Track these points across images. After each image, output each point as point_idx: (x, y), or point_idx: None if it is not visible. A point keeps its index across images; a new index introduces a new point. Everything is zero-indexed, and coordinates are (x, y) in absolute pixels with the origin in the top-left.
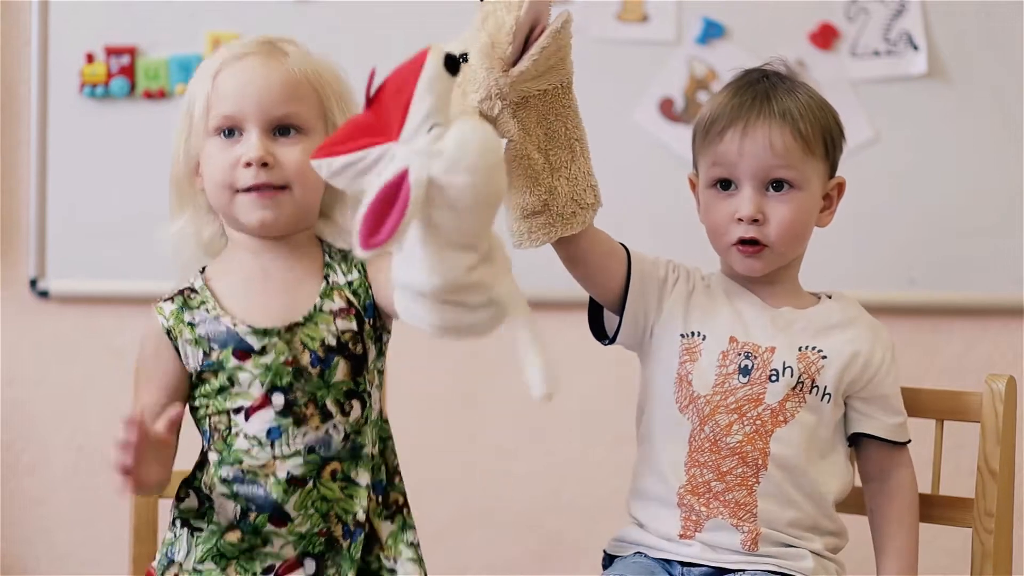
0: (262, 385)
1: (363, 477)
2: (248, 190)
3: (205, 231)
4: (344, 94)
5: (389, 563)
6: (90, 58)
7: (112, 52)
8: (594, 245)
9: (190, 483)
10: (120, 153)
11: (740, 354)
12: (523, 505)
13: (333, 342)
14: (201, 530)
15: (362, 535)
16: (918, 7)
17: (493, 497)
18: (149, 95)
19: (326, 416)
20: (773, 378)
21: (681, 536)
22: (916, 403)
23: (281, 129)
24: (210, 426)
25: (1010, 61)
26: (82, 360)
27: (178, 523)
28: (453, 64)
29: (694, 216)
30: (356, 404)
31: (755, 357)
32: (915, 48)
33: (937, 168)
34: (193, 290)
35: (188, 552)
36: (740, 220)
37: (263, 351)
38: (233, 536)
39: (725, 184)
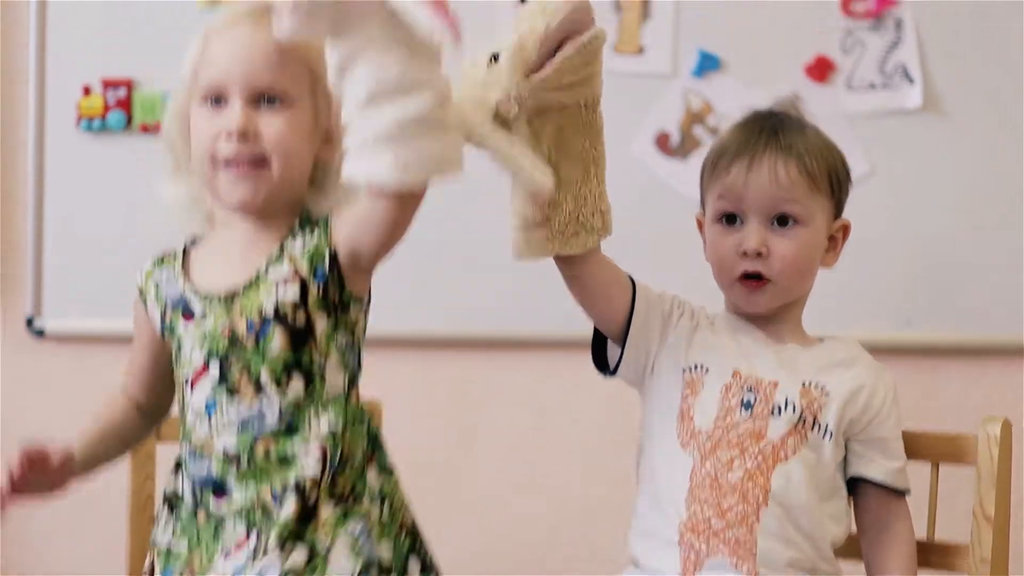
0: (201, 351)
1: (301, 455)
2: (228, 165)
3: (207, 200)
4: None
5: (322, 544)
6: (87, 91)
7: (109, 85)
8: (598, 269)
9: (177, 461)
10: (117, 187)
11: (743, 387)
12: (522, 545)
13: (270, 311)
14: (178, 508)
15: (293, 502)
16: (913, 40)
17: (492, 536)
18: (146, 129)
19: (259, 389)
20: (776, 413)
21: (683, 571)
22: (912, 445)
23: (268, 99)
24: (178, 400)
25: (1006, 95)
26: (78, 399)
27: (163, 502)
28: None
29: (691, 250)
30: (297, 378)
31: (758, 391)
32: (911, 81)
33: (934, 202)
34: (174, 253)
35: (164, 530)
36: (744, 254)
37: (204, 316)
38: (201, 516)
39: (731, 218)
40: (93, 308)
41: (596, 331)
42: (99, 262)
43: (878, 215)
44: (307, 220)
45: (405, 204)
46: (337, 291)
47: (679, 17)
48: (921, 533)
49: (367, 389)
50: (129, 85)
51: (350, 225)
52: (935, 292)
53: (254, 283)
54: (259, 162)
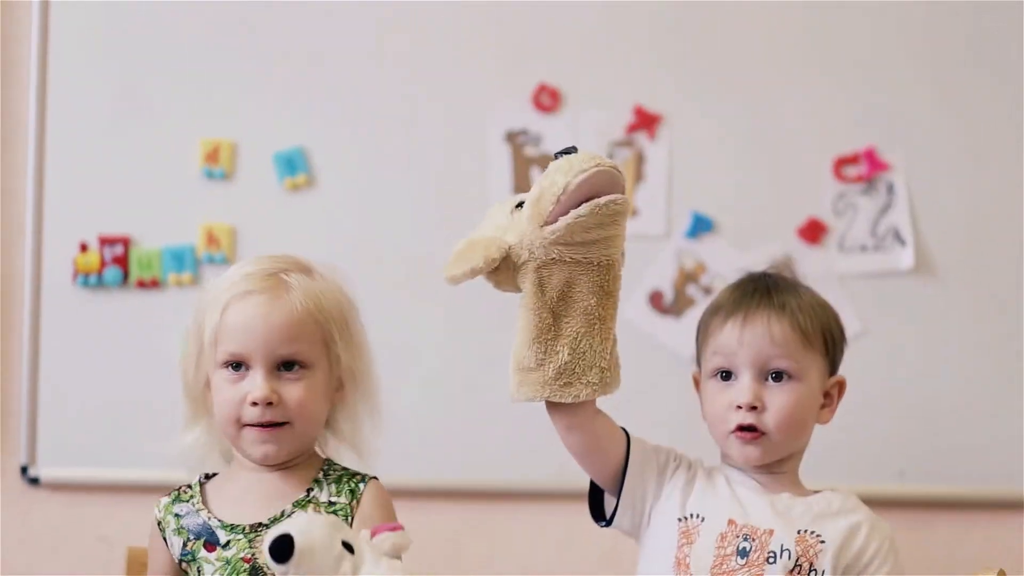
0: None
1: None
2: (252, 427)
3: (224, 440)
4: (347, 320)
5: None
6: (84, 247)
7: (105, 242)
8: (592, 422)
9: None
10: (112, 342)
11: (739, 536)
12: None
13: None
14: None
15: None
16: (905, 203)
17: None
18: (142, 284)
19: None
20: (771, 560)
21: None
22: None
23: (286, 364)
24: None
25: (998, 256)
26: (72, 548)
27: None
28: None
29: (684, 407)
30: None
31: (753, 539)
32: (902, 243)
33: (925, 362)
34: (189, 487)
35: None
36: (739, 408)
37: (227, 545)
38: None
39: (726, 375)
40: (86, 457)
41: (592, 483)
42: (93, 412)
43: (871, 372)
44: (331, 471)
45: None
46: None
47: (672, 179)
48: None
49: None
50: (126, 242)
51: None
52: (928, 445)
53: (277, 520)
54: (282, 424)
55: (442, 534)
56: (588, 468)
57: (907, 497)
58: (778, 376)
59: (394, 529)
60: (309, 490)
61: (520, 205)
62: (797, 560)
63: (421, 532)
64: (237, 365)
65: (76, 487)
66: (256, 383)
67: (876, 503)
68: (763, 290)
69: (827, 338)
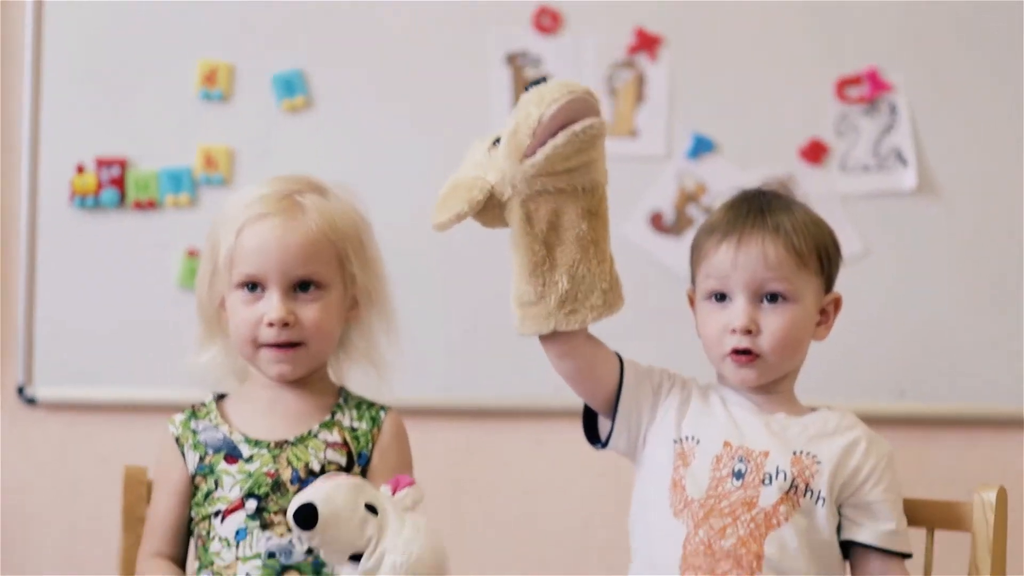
0: (241, 490)
1: None
2: (269, 347)
3: (239, 360)
4: (361, 240)
5: None
6: (80, 169)
7: (103, 163)
8: (584, 347)
9: None
10: (109, 263)
11: (734, 458)
12: None
13: (317, 467)
14: None
15: None
16: (907, 123)
17: None
18: (139, 206)
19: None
20: (767, 482)
21: None
22: (908, 513)
23: (301, 285)
24: (197, 535)
25: (999, 175)
26: (69, 467)
27: None
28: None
29: (684, 327)
30: None
31: (748, 461)
32: (904, 163)
33: (927, 281)
34: (203, 404)
35: None
36: (734, 331)
37: (250, 459)
38: None
39: (720, 296)
40: (83, 377)
41: (586, 405)
42: (90, 332)
43: (873, 293)
44: (349, 397)
45: None
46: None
47: (673, 100)
48: None
49: None
50: (123, 163)
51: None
52: (929, 364)
53: (304, 439)
54: (298, 344)
55: (444, 452)
56: (582, 392)
57: (908, 416)
58: (773, 298)
59: (413, 482)
60: (333, 413)
61: (498, 141)
62: (793, 481)
63: (424, 450)
64: (253, 286)
65: (73, 407)
66: (272, 304)
67: (877, 422)
68: (757, 210)
69: (822, 256)
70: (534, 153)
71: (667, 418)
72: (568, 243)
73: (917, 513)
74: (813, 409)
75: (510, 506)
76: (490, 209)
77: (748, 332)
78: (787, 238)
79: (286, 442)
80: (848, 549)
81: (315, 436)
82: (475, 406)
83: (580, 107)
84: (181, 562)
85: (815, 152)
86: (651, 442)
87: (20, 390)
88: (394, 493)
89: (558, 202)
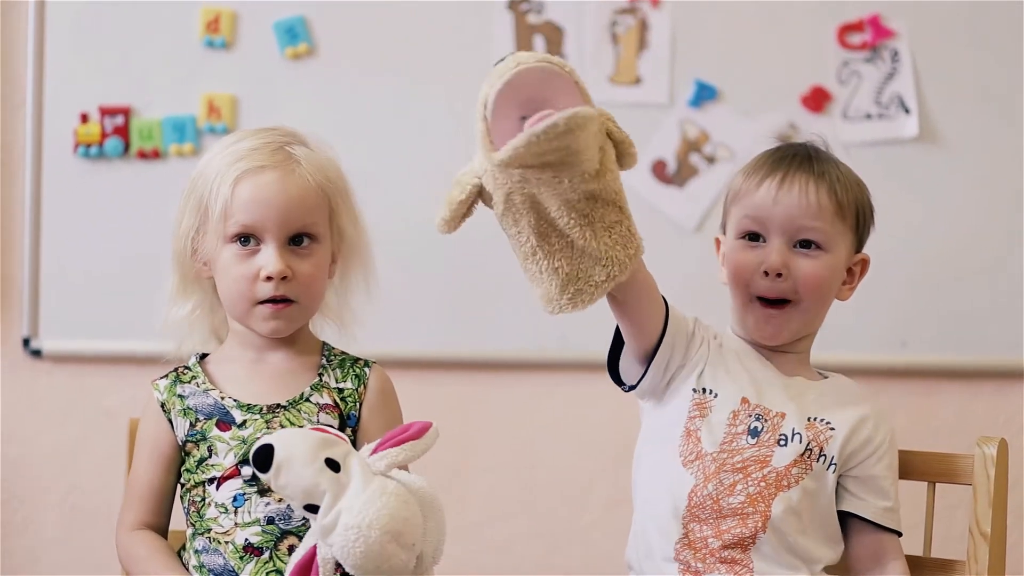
0: (235, 456)
1: None
2: (263, 303)
3: (215, 317)
4: (347, 191)
5: None
6: (84, 118)
7: (106, 112)
8: (639, 293)
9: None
10: (114, 213)
11: (751, 415)
12: (515, 568)
13: None
14: None
15: None
16: (910, 71)
17: (486, 559)
18: (143, 155)
19: None
20: (782, 443)
21: None
22: (908, 466)
23: (295, 239)
24: (189, 501)
25: (1001, 123)
26: (74, 419)
27: None
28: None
29: (686, 277)
30: None
31: (766, 420)
32: (907, 111)
33: (929, 231)
34: (187, 367)
35: None
36: (766, 273)
37: (243, 425)
38: None
39: (754, 236)
40: (89, 329)
41: (612, 346)
42: (95, 284)
43: (874, 241)
44: (331, 355)
45: None
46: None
47: (675, 48)
48: (918, 550)
49: None
50: (126, 112)
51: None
52: (930, 315)
53: (296, 403)
54: (291, 301)
55: (448, 403)
56: (630, 330)
57: (909, 367)
58: (806, 244)
59: (403, 441)
60: (320, 374)
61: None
62: (808, 444)
63: (428, 401)
64: (246, 240)
65: (78, 359)
66: (270, 257)
67: (879, 373)
68: (804, 155)
69: (860, 213)
70: (497, 141)
71: (694, 368)
72: (558, 232)
73: (918, 466)
74: (825, 376)
75: (512, 458)
76: (489, 201)
77: (779, 276)
78: (831, 185)
79: (279, 406)
80: (844, 521)
81: (307, 400)
82: (477, 358)
83: (537, 79)
84: (164, 531)
85: (817, 99)
86: (672, 387)
87: (25, 342)
88: (407, 439)
89: (539, 193)
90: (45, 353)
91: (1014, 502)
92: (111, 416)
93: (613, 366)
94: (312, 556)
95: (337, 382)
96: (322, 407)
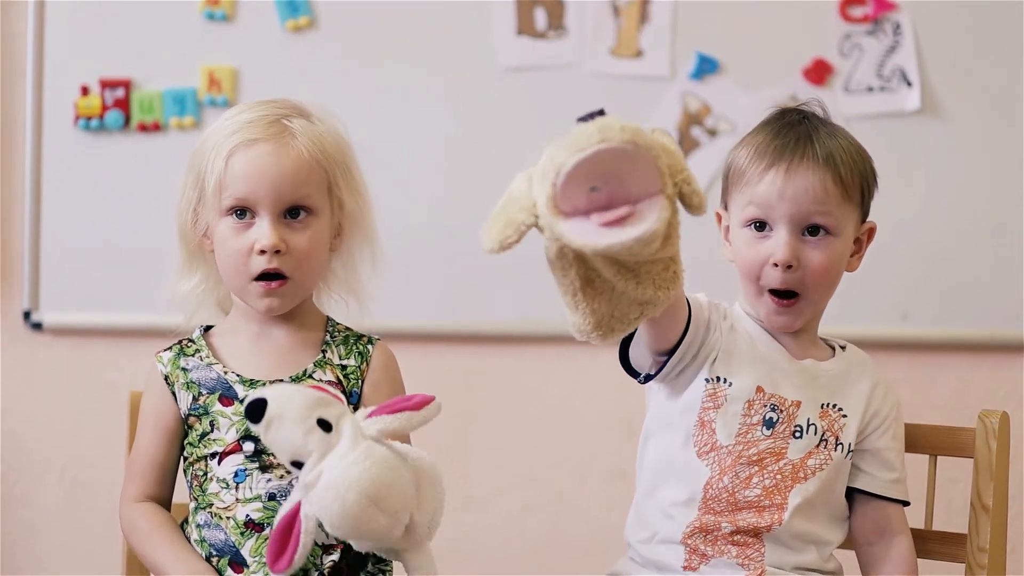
0: (237, 432)
1: (321, 536)
2: (258, 278)
3: (220, 290)
4: (347, 164)
5: None
6: (85, 91)
7: (107, 85)
8: (669, 311)
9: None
10: (114, 186)
11: (766, 405)
12: (517, 542)
13: None
14: None
15: None
16: (911, 43)
17: (487, 533)
18: (144, 128)
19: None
20: (797, 434)
21: (685, 568)
22: (910, 438)
23: (292, 211)
24: (191, 475)
25: (1003, 96)
26: (75, 393)
27: None
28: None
29: (689, 251)
30: None
31: (781, 411)
32: (908, 84)
33: (930, 203)
34: (191, 340)
35: None
36: (775, 265)
37: (245, 400)
38: None
39: (760, 225)
40: (90, 302)
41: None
42: (96, 257)
43: (876, 214)
44: (335, 331)
45: None
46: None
47: (677, 20)
48: (919, 523)
49: None
50: (127, 85)
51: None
52: (932, 288)
53: (299, 379)
54: (285, 278)
55: (451, 376)
56: (652, 337)
57: (911, 340)
58: (815, 230)
59: (401, 410)
60: (324, 350)
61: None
62: (823, 435)
63: (431, 375)
64: (242, 212)
65: (79, 332)
66: (264, 230)
67: (880, 346)
68: (805, 137)
69: (864, 187)
70: (565, 207)
71: (707, 357)
72: (603, 279)
73: (919, 439)
74: (832, 348)
75: (514, 432)
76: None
77: (789, 267)
78: (836, 170)
79: (281, 382)
80: (849, 496)
81: (310, 376)
82: (480, 332)
83: (620, 160)
84: (167, 503)
85: (819, 72)
86: (685, 376)
87: (26, 315)
88: (405, 409)
89: (593, 264)
90: (46, 326)
91: (1015, 475)
92: (112, 389)
93: (623, 352)
94: (296, 512)
95: (340, 359)
96: (326, 384)
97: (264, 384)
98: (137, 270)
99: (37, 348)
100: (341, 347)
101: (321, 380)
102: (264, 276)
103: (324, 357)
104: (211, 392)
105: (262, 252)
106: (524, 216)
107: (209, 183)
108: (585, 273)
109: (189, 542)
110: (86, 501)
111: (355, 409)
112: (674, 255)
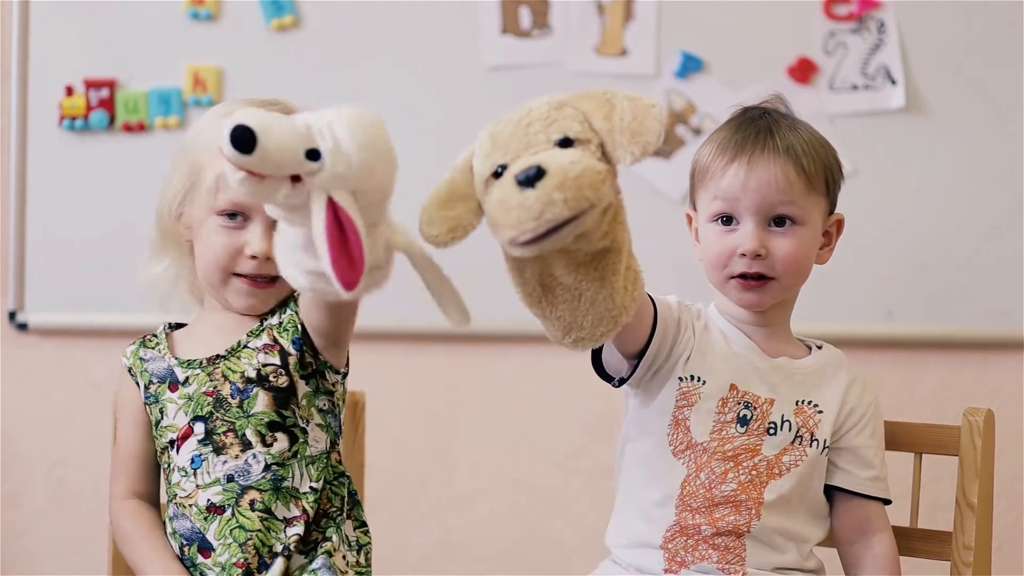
0: (186, 415)
1: (282, 511)
2: (242, 279)
3: (190, 278)
4: None
5: None
6: (69, 91)
7: (91, 85)
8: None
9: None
10: (99, 186)
11: (740, 403)
12: (501, 540)
13: (253, 374)
14: None
15: (279, 567)
16: (896, 41)
17: (470, 532)
18: (128, 128)
19: (246, 446)
20: (771, 431)
21: (666, 571)
22: (894, 437)
23: None
24: (162, 469)
25: (987, 94)
26: (61, 393)
27: None
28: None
29: (672, 249)
30: (282, 437)
31: (754, 408)
32: (893, 82)
33: (915, 201)
34: (154, 335)
35: None
36: (743, 255)
37: (187, 382)
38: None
39: (727, 219)
40: (74, 303)
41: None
42: (81, 257)
43: (860, 212)
44: (279, 304)
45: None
46: (312, 358)
47: (662, 19)
48: (904, 521)
49: (351, 380)
50: (112, 85)
51: (302, 306)
52: (917, 286)
53: (235, 350)
54: (272, 280)
55: (435, 376)
56: (619, 342)
57: (894, 338)
58: (780, 221)
59: None
60: (263, 319)
61: (497, 174)
62: (798, 432)
63: (415, 374)
64: (233, 215)
65: (64, 332)
66: (256, 236)
67: (864, 344)
68: (765, 131)
69: (828, 178)
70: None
71: (679, 357)
72: (563, 286)
73: (904, 437)
74: (807, 347)
75: (498, 431)
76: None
77: (757, 256)
78: (797, 160)
79: (218, 356)
80: (829, 494)
81: (245, 347)
82: (466, 331)
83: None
84: (153, 497)
85: (804, 70)
86: (659, 376)
87: (11, 316)
88: None
89: (547, 257)
90: (31, 327)
91: (1000, 472)
92: (97, 389)
93: (595, 358)
94: (334, 209)
95: (280, 319)
96: (260, 349)
97: (200, 363)
98: (122, 271)
99: (23, 349)
100: (278, 312)
101: (256, 347)
102: (251, 278)
103: (261, 325)
104: (161, 381)
105: (253, 257)
106: (464, 223)
107: (204, 181)
108: (542, 277)
109: (168, 540)
110: (72, 501)
111: (301, 355)
112: (624, 247)
